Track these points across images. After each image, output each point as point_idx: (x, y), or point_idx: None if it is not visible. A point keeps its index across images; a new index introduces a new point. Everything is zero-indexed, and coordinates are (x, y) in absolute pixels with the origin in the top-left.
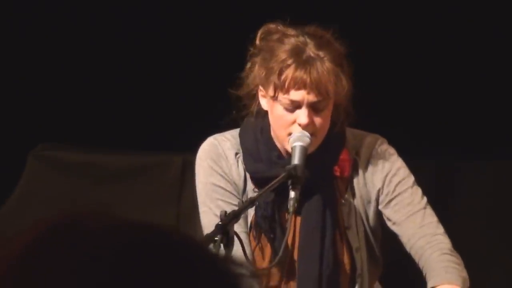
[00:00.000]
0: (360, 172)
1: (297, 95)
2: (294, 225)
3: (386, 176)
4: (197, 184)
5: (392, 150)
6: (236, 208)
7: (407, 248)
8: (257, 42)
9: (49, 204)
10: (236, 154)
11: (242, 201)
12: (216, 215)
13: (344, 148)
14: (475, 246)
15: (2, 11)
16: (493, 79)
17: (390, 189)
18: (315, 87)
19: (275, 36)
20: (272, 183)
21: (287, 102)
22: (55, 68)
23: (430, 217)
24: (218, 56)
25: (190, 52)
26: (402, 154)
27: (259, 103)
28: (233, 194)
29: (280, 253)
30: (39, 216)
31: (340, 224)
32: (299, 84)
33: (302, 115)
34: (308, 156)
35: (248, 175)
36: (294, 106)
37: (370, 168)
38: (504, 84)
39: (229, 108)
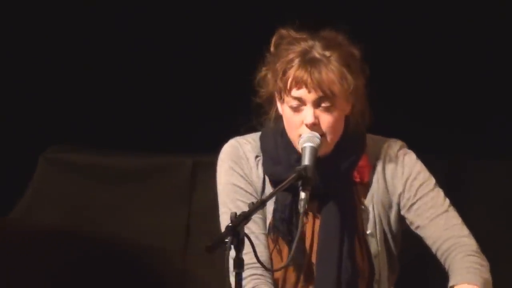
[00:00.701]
0: (380, 177)
1: (299, 93)
2: (312, 229)
3: (407, 180)
4: (218, 185)
5: (412, 154)
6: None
7: (433, 250)
8: (272, 48)
9: (60, 205)
10: (256, 157)
11: (253, 203)
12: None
13: (363, 153)
14: (487, 245)
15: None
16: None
17: (412, 193)
18: (316, 85)
19: (286, 41)
20: (282, 184)
21: (292, 102)
22: (66, 70)
23: (454, 219)
24: (228, 59)
25: (200, 54)
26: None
27: (277, 109)
28: (252, 195)
29: (292, 253)
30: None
31: (359, 229)
32: (299, 84)
33: (307, 114)
34: (325, 160)
35: (267, 178)
36: (299, 105)
37: (389, 173)
38: None
39: (240, 110)
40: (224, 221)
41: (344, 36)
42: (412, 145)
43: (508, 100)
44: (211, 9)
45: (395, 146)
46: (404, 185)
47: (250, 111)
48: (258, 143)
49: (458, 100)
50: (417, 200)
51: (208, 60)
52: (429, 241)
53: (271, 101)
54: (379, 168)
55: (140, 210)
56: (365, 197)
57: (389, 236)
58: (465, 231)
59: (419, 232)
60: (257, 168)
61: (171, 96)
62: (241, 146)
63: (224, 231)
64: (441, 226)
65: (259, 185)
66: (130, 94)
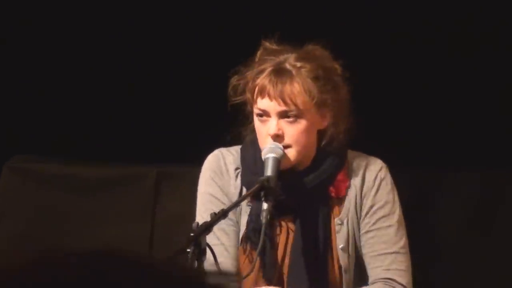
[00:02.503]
0: (355, 194)
1: (263, 103)
2: (286, 242)
3: (373, 206)
4: (197, 194)
5: (389, 180)
6: (229, 222)
7: (369, 278)
8: (256, 61)
9: (24, 216)
10: (237, 169)
11: (215, 213)
12: None
13: (341, 169)
14: (453, 255)
15: None
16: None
17: (372, 221)
18: (278, 95)
19: (266, 52)
20: (245, 194)
21: (257, 111)
22: (30, 79)
23: (401, 263)
24: (195, 71)
25: (165, 66)
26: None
27: None
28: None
29: (255, 261)
30: (13, 227)
31: (333, 244)
32: (263, 93)
33: (270, 125)
34: (302, 173)
35: (244, 190)
36: (263, 115)
37: (363, 192)
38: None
39: (206, 122)
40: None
41: (327, 51)
42: (380, 157)
43: (471, 110)
44: (182, 21)
45: (375, 165)
46: (369, 209)
47: (217, 122)
48: (239, 155)
49: (424, 112)
50: (373, 230)
51: (173, 71)
52: (368, 271)
53: (251, 112)
54: (356, 184)
55: (103, 220)
56: (339, 211)
57: (360, 251)
58: (405, 279)
59: (364, 258)
60: (236, 180)
61: (135, 107)
62: (223, 157)
63: (186, 241)
64: (385, 265)
65: (236, 196)
66: (94, 104)
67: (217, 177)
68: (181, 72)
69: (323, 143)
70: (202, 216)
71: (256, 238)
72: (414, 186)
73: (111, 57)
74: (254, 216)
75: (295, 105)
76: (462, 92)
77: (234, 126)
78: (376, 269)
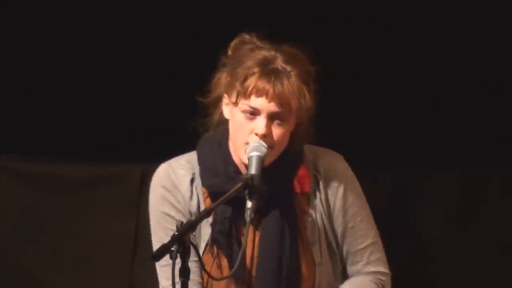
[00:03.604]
0: (321, 187)
1: (257, 102)
2: (253, 242)
3: (343, 204)
4: (149, 212)
5: (350, 172)
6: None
7: (347, 268)
8: (229, 52)
9: (9, 214)
10: (192, 179)
11: (199, 212)
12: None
13: (302, 164)
14: (435, 253)
15: None
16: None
17: (345, 219)
18: (277, 97)
19: (247, 47)
20: (229, 192)
21: (247, 108)
22: (13, 77)
23: (377, 252)
24: (176, 66)
25: (149, 61)
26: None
27: (221, 112)
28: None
29: (237, 264)
30: None
31: (304, 239)
32: (261, 92)
33: (260, 124)
34: (265, 170)
35: (201, 201)
36: (253, 113)
37: (329, 187)
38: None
39: (190, 119)
40: (156, 248)
41: (305, 54)
42: (355, 156)
43: (453, 109)
44: (158, 16)
45: (332, 158)
46: (341, 207)
47: (191, 121)
48: (192, 164)
49: (406, 112)
50: (348, 228)
51: (156, 67)
52: (347, 266)
53: (216, 104)
54: (319, 178)
55: (88, 218)
56: (308, 206)
57: (334, 245)
58: (384, 264)
59: (341, 253)
60: (192, 191)
61: (119, 105)
62: (174, 171)
63: (170, 240)
64: (365, 259)
65: (193, 208)
66: (79, 103)
67: (170, 195)
68: (165, 70)
69: (295, 144)
70: (159, 235)
71: (223, 240)
72: (395, 185)
73: (94, 56)
74: (220, 218)
75: (289, 108)
76: (444, 91)
77: (195, 117)
78: (357, 263)
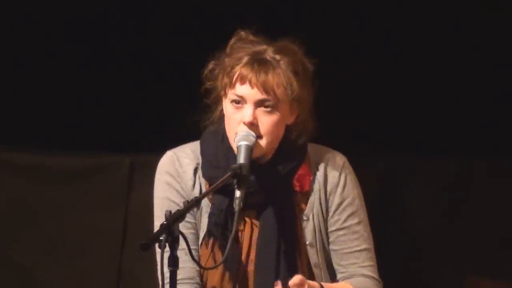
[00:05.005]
0: (321, 187)
1: (241, 90)
2: (250, 238)
3: (341, 203)
4: (154, 198)
5: (353, 175)
6: (187, 225)
7: (337, 272)
8: (228, 49)
9: None
10: (196, 169)
11: (187, 201)
12: None
13: (304, 162)
14: (425, 242)
15: None
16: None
17: (341, 218)
18: (260, 84)
19: (241, 43)
20: (217, 182)
21: (234, 97)
22: (1, 70)
23: (371, 259)
24: (168, 57)
25: (138, 53)
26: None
27: (223, 108)
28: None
29: (226, 253)
30: None
31: (299, 239)
32: (244, 79)
33: (246, 112)
34: (265, 166)
35: (204, 190)
36: (240, 101)
37: (329, 187)
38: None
39: (179, 110)
40: None
41: (300, 47)
42: (350, 147)
43: (444, 98)
44: (147, 8)
45: (338, 159)
46: (338, 206)
47: (191, 110)
48: (196, 153)
49: (396, 101)
50: (344, 227)
51: (146, 58)
52: (339, 266)
53: (217, 101)
54: (320, 178)
55: (77, 209)
56: (305, 206)
57: (327, 247)
58: (377, 273)
59: (334, 254)
60: (195, 181)
61: (108, 95)
62: (179, 159)
63: (159, 229)
64: (360, 262)
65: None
66: (66, 92)
67: (175, 181)
68: (155, 62)
69: (292, 137)
70: (160, 221)
71: (218, 232)
72: (386, 174)
73: (83, 46)
74: (216, 210)
75: (275, 95)
76: (434, 81)
77: (195, 113)
78: (352, 265)
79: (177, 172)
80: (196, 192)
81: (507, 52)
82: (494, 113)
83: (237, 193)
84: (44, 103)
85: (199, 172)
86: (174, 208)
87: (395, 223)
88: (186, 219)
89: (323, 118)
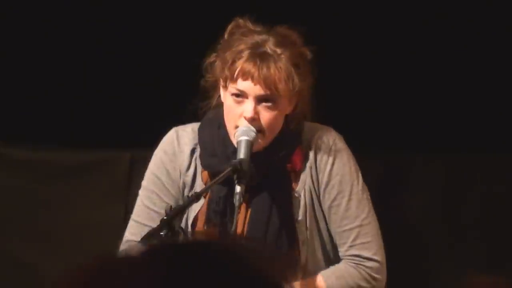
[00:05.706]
0: (313, 165)
1: (243, 85)
2: (244, 220)
3: (329, 181)
4: (147, 168)
5: (344, 151)
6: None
7: (338, 249)
8: (226, 36)
9: None
10: (193, 150)
11: (188, 196)
12: (144, 205)
13: (298, 146)
14: (421, 239)
15: None
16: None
17: (331, 196)
18: (263, 80)
19: (240, 31)
20: (218, 177)
21: (235, 91)
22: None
23: (364, 236)
24: (166, 52)
25: (137, 47)
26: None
27: (220, 95)
28: (169, 191)
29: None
30: None
31: (290, 216)
32: (246, 75)
33: (247, 107)
34: (259, 153)
35: (198, 173)
36: (241, 96)
37: (318, 165)
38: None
39: (180, 104)
40: (139, 201)
41: (299, 35)
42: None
43: (438, 95)
44: (150, 3)
45: (328, 136)
46: (326, 185)
47: (190, 104)
48: (197, 134)
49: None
50: (334, 206)
51: (145, 53)
52: (338, 245)
53: (215, 87)
54: (311, 156)
55: (77, 205)
56: (296, 183)
57: (321, 224)
58: (371, 250)
59: (331, 233)
60: (190, 161)
61: (108, 90)
62: (178, 138)
63: (159, 224)
64: (350, 242)
65: (188, 179)
66: (66, 88)
67: (167, 159)
68: (154, 56)
69: (290, 126)
70: (143, 193)
71: (217, 219)
72: (382, 171)
73: (82, 40)
74: (215, 197)
75: (277, 91)
76: (430, 79)
77: (193, 100)
78: (342, 246)
79: (174, 151)
80: (190, 174)
81: (508, 52)
82: (494, 111)
83: (237, 189)
84: (44, 98)
85: (196, 153)
86: (157, 184)
87: (393, 222)
88: (164, 199)
89: (321, 118)
